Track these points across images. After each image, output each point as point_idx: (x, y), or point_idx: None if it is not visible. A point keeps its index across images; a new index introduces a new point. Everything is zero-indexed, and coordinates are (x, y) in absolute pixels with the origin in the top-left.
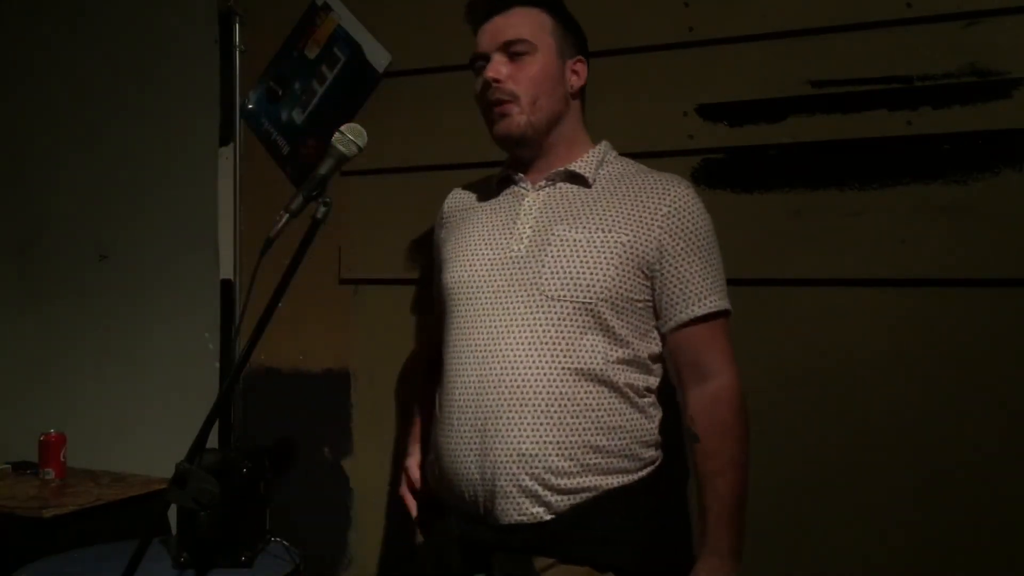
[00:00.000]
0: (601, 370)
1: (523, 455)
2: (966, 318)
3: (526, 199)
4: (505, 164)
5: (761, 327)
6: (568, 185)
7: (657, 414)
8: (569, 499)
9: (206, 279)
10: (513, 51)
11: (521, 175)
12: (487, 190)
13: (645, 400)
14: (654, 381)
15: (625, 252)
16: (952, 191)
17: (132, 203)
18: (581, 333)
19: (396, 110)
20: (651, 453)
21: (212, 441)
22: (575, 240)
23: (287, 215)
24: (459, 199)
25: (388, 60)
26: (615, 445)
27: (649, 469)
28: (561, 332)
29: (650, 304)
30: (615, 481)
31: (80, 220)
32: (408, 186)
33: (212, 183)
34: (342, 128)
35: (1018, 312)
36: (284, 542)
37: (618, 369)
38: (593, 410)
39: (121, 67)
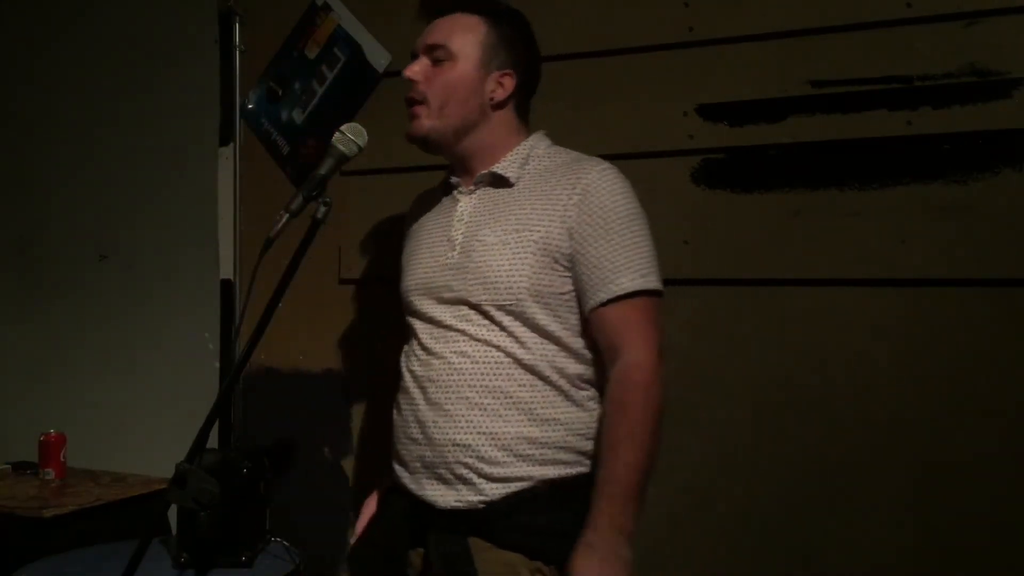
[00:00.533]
0: (532, 364)
1: (458, 445)
2: (966, 318)
3: (459, 204)
4: (448, 167)
5: (761, 327)
6: (493, 188)
7: (597, 407)
8: (504, 487)
9: (206, 279)
10: (434, 55)
11: (457, 179)
12: (436, 194)
13: (583, 393)
14: (593, 371)
15: (538, 248)
16: (952, 191)
17: (132, 203)
18: (510, 333)
19: (396, 110)
20: (592, 447)
21: (212, 441)
22: (493, 244)
23: (287, 215)
24: (419, 203)
25: (388, 60)
26: (549, 437)
27: (591, 464)
28: (492, 334)
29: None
30: (551, 472)
31: (80, 220)
32: (408, 186)
33: (212, 183)
34: (342, 128)
35: (1018, 312)
36: (284, 542)
37: (551, 362)
38: (527, 402)
39: (121, 67)
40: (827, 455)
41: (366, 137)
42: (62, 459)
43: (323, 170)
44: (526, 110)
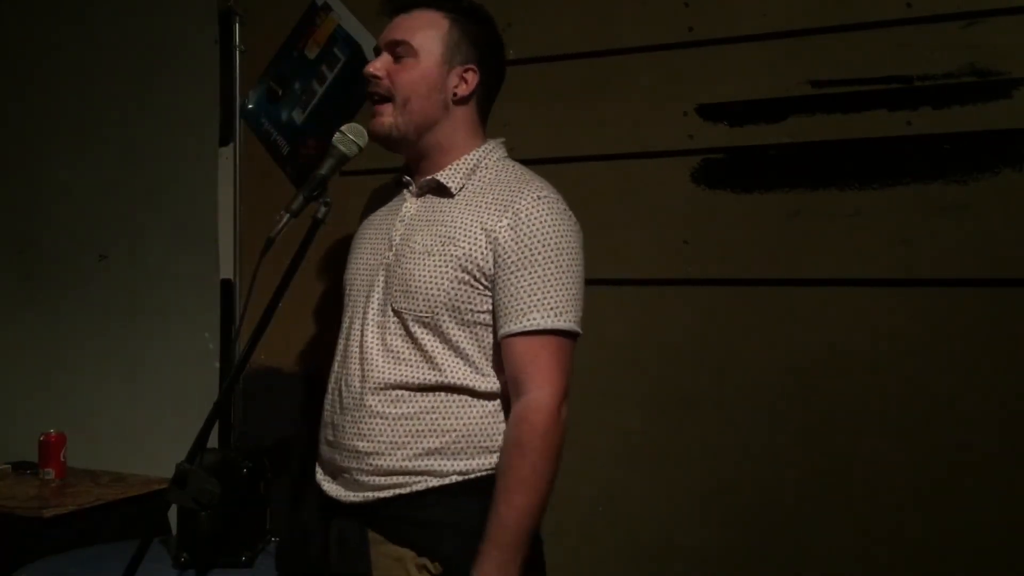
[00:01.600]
0: (439, 381)
1: (359, 452)
2: (966, 318)
3: (405, 205)
4: (403, 165)
5: (761, 327)
6: (434, 196)
7: (502, 418)
8: (403, 489)
9: (206, 279)
10: (396, 52)
11: (409, 179)
12: (390, 189)
13: (489, 405)
14: (501, 386)
15: (459, 264)
16: (952, 191)
17: (132, 203)
18: (422, 345)
19: None
20: (495, 452)
21: (212, 441)
22: (420, 252)
23: (288, 215)
24: (376, 195)
25: None
26: (452, 447)
27: (483, 472)
28: (405, 342)
29: None
30: (452, 478)
31: (80, 220)
32: None
33: (212, 183)
34: (343, 128)
35: (1018, 312)
36: None
37: (461, 380)
38: (429, 412)
39: (121, 67)
40: (828, 454)
41: (367, 137)
42: (62, 459)
43: (323, 170)
44: (487, 112)
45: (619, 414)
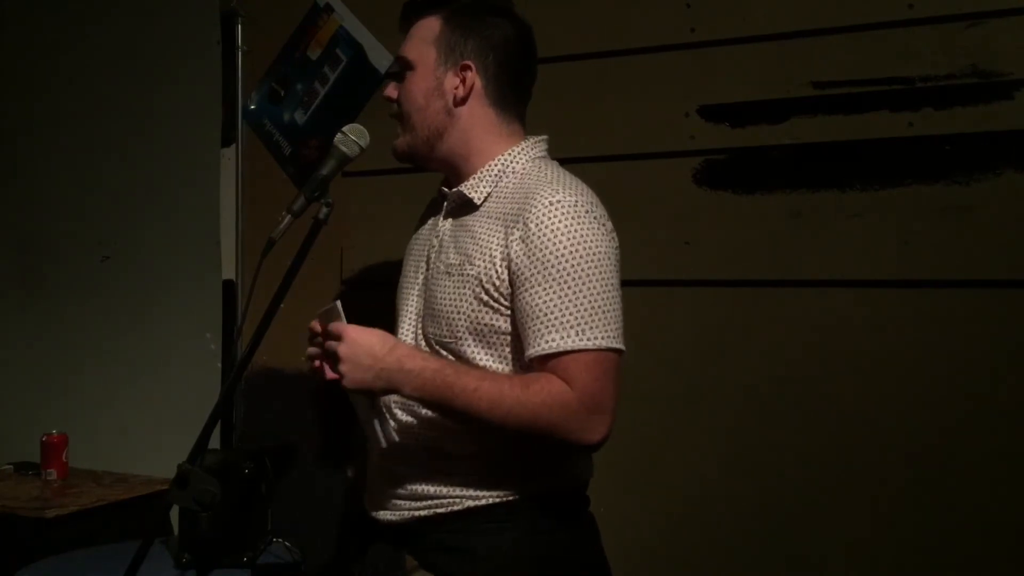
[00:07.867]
0: None
1: (395, 476)
2: (966, 319)
3: (440, 221)
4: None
5: (761, 327)
6: (461, 208)
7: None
8: (441, 509)
9: (208, 280)
10: (402, 71)
11: (446, 190)
12: (437, 203)
13: None
14: None
15: (477, 284)
16: (954, 192)
17: (135, 204)
18: None
19: None
20: (530, 483)
21: (214, 442)
22: (443, 273)
23: (289, 216)
24: (426, 209)
25: (390, 61)
26: (486, 471)
27: (525, 494)
28: None
29: None
30: (487, 500)
31: (83, 221)
32: (410, 188)
33: (214, 184)
34: (344, 128)
35: (1018, 313)
36: (285, 542)
37: None
38: (464, 436)
39: (124, 68)
40: (828, 454)
41: (368, 138)
42: (64, 459)
43: (325, 171)
44: (514, 109)
45: (619, 414)
